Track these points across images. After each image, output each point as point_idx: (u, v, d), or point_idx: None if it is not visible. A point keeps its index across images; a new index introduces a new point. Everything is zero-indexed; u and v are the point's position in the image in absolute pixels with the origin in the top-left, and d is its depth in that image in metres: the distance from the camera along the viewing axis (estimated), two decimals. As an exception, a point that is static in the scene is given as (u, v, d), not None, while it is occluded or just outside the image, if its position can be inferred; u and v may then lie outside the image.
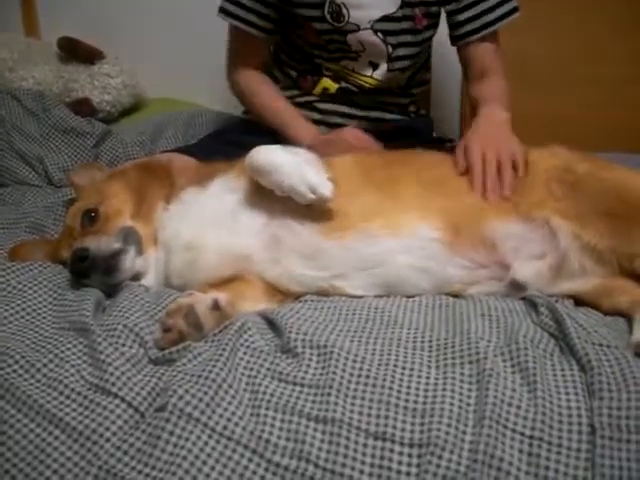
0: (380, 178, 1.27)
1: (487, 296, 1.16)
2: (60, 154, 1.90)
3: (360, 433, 0.84)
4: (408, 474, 0.81)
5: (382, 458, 0.82)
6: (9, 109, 2.02)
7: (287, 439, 0.85)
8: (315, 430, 0.85)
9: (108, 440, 0.85)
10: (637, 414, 0.83)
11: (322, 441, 0.84)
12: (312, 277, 1.19)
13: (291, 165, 1.16)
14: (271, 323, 1.06)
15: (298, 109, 1.79)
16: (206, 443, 0.84)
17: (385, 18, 1.68)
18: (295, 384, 0.92)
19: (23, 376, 0.92)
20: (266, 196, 1.20)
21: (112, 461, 0.83)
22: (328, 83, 1.79)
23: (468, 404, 0.87)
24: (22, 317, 1.08)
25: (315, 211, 1.19)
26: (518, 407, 0.86)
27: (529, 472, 0.80)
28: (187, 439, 0.84)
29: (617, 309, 1.11)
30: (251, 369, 0.94)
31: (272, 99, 1.77)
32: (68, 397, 0.90)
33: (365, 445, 0.83)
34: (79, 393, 0.91)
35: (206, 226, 1.22)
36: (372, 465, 0.82)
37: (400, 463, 0.82)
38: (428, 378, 0.92)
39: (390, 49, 1.72)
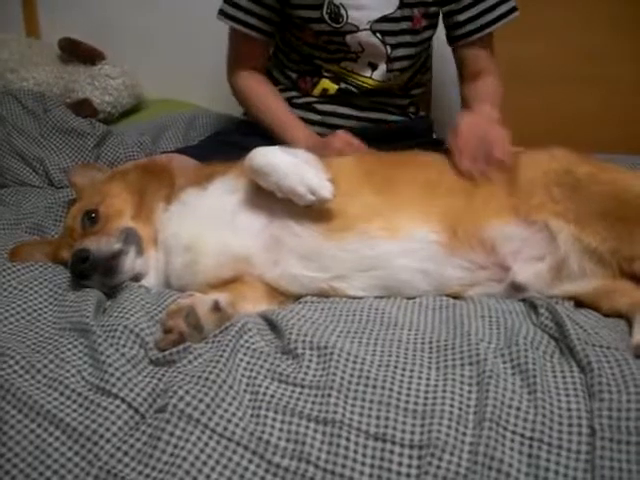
0: (379, 179, 1.27)
1: (487, 297, 1.16)
2: (61, 155, 1.90)
3: (360, 434, 0.84)
4: (408, 475, 0.81)
5: (382, 459, 0.82)
6: (10, 110, 2.02)
7: (287, 440, 0.85)
8: (315, 431, 0.85)
9: (108, 441, 0.85)
10: (637, 416, 0.83)
11: (322, 442, 0.84)
12: (312, 278, 1.19)
13: (290, 166, 1.16)
14: (271, 324, 1.06)
15: (297, 110, 1.79)
16: (206, 444, 0.84)
17: (384, 19, 1.68)
18: (295, 385, 0.92)
19: (24, 377, 0.92)
20: (266, 197, 1.20)
21: (112, 462, 0.83)
22: (327, 84, 1.79)
23: (468, 405, 0.87)
24: (22, 318, 1.08)
25: (315, 212, 1.19)
26: (518, 409, 0.86)
27: (529, 473, 0.80)
28: (187, 440, 0.84)
29: (617, 311, 1.11)
30: (251, 370, 0.94)
31: (270, 101, 1.77)
32: (68, 398, 0.90)
33: (365, 446, 0.83)
34: (79, 394, 0.91)
35: (206, 227, 1.22)
36: (372, 466, 0.82)
37: (400, 464, 0.82)
38: (428, 379, 0.92)
39: (389, 50, 1.72)
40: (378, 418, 0.86)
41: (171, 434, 0.84)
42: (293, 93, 1.83)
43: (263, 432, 0.86)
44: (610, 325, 1.07)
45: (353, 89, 1.78)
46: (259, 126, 1.77)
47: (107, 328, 1.02)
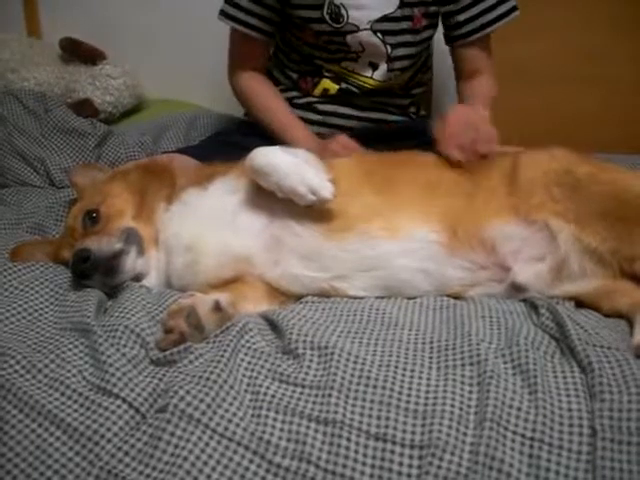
0: (379, 179, 1.27)
1: (488, 298, 1.16)
2: (61, 155, 1.90)
3: (361, 434, 0.84)
4: (409, 475, 0.81)
5: (383, 459, 0.82)
6: (11, 109, 2.03)
7: (288, 440, 0.85)
8: (316, 431, 0.85)
9: (109, 441, 0.86)
10: (638, 416, 0.83)
11: (323, 442, 0.84)
12: (313, 278, 1.19)
13: (291, 166, 1.16)
14: (272, 324, 1.06)
15: (298, 110, 1.79)
16: (207, 444, 0.84)
17: (384, 18, 1.68)
18: (296, 385, 0.92)
19: (24, 376, 0.92)
20: (266, 197, 1.21)
21: (113, 462, 0.83)
22: (328, 84, 1.79)
23: (469, 406, 0.87)
24: (23, 317, 1.08)
25: (315, 212, 1.19)
26: (519, 409, 0.86)
27: (529, 474, 0.80)
28: (188, 440, 0.84)
29: (618, 311, 1.11)
30: (252, 370, 0.94)
31: (270, 102, 1.77)
32: (69, 398, 0.90)
33: (366, 446, 0.83)
34: (80, 394, 0.91)
35: (207, 227, 1.22)
36: (373, 466, 0.82)
37: (401, 464, 0.82)
38: (429, 379, 0.92)
39: (389, 49, 1.72)
40: (379, 418, 0.86)
41: (172, 434, 0.84)
42: (294, 93, 1.83)
43: (264, 432, 0.86)
44: (611, 325, 1.07)
45: (354, 89, 1.78)
46: (259, 126, 1.77)
47: (108, 328, 1.02)
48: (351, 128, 1.80)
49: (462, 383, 0.91)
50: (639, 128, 2.19)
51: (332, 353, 0.95)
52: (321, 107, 1.81)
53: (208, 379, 0.90)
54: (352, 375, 0.91)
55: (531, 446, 0.82)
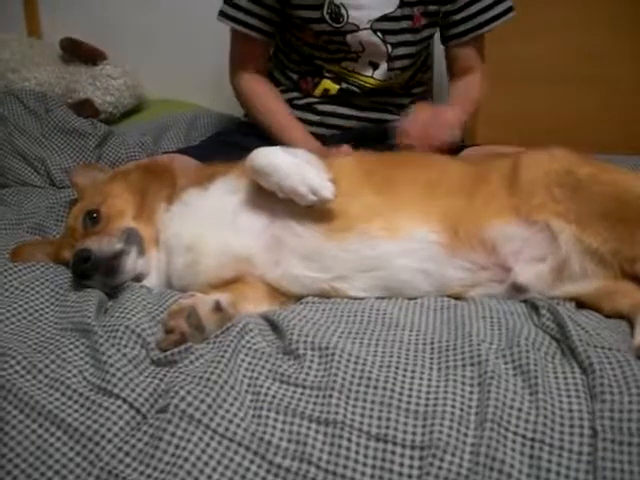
0: (380, 179, 1.27)
1: (488, 298, 1.16)
2: (62, 155, 1.90)
3: (361, 435, 0.84)
4: (409, 476, 0.81)
5: (383, 460, 0.82)
6: (11, 110, 2.03)
7: (288, 441, 0.85)
8: (316, 432, 0.85)
9: (110, 441, 0.86)
10: (639, 417, 0.82)
11: (323, 443, 0.84)
12: (313, 279, 1.19)
13: (292, 166, 1.16)
14: (273, 325, 1.06)
15: (298, 111, 1.79)
16: (208, 445, 0.84)
17: (384, 18, 1.68)
18: (297, 386, 0.92)
19: (25, 377, 0.92)
20: (267, 197, 1.20)
21: (114, 462, 0.83)
22: (329, 84, 1.79)
23: (470, 406, 0.87)
24: (24, 318, 1.08)
25: (316, 212, 1.19)
26: (519, 410, 0.86)
27: (530, 475, 0.80)
28: (189, 440, 0.84)
29: (619, 312, 1.11)
30: (253, 371, 0.94)
31: (270, 103, 1.77)
32: (70, 398, 0.90)
33: (366, 447, 0.83)
34: (81, 394, 0.91)
35: (207, 227, 1.22)
36: (373, 467, 0.82)
37: (402, 465, 0.82)
38: (430, 380, 0.92)
39: (390, 49, 1.72)
40: (379, 419, 0.86)
41: (172, 434, 0.84)
42: (294, 94, 1.83)
43: (264, 433, 0.86)
44: (612, 326, 1.06)
45: (354, 89, 1.78)
46: (259, 127, 1.77)
47: (108, 328, 1.02)
48: (350, 128, 1.80)
49: (463, 384, 0.91)
50: (639, 128, 2.19)
51: (333, 354, 0.95)
52: (321, 107, 1.81)
53: (209, 379, 0.90)
54: (353, 376, 0.91)
55: (532, 447, 0.82)
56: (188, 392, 0.88)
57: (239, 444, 0.84)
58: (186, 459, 0.82)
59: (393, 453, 0.83)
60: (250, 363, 0.95)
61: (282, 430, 0.86)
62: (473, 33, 1.74)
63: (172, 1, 2.50)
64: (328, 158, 1.31)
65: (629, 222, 1.14)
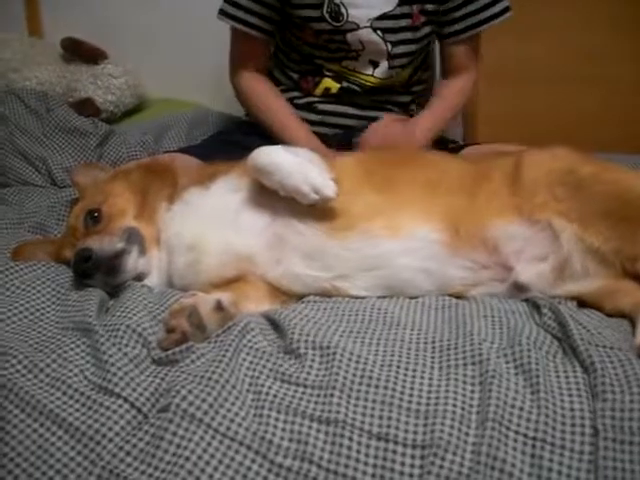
0: (382, 178, 1.27)
1: (490, 297, 1.16)
2: (63, 154, 1.90)
3: (363, 434, 0.84)
4: (411, 475, 0.81)
5: (385, 459, 0.82)
6: (12, 109, 2.02)
7: (290, 440, 0.85)
8: (318, 431, 0.85)
9: (111, 440, 0.86)
10: (640, 416, 0.83)
11: (325, 442, 0.84)
12: (315, 277, 1.19)
13: (294, 165, 1.16)
14: (274, 324, 1.06)
15: (299, 111, 1.79)
16: (209, 444, 0.84)
17: (384, 16, 1.68)
18: (298, 385, 0.92)
19: (26, 376, 0.92)
20: (269, 196, 1.21)
21: (115, 461, 0.83)
22: (330, 83, 1.79)
23: (471, 405, 0.87)
24: (25, 317, 1.08)
25: (318, 211, 1.19)
26: (521, 409, 0.86)
27: (532, 474, 0.80)
28: (190, 440, 0.84)
29: (620, 311, 1.11)
30: (254, 370, 0.94)
31: (270, 102, 1.77)
32: (71, 397, 0.90)
33: (368, 446, 0.83)
34: (82, 393, 0.91)
35: (209, 226, 1.22)
36: (375, 466, 0.82)
37: (403, 464, 0.82)
38: (431, 379, 0.92)
39: (390, 47, 1.72)
40: (381, 418, 0.86)
41: (174, 434, 0.84)
42: (295, 93, 1.83)
43: (266, 432, 0.86)
44: (613, 325, 1.06)
45: (355, 87, 1.78)
46: (260, 126, 1.77)
47: (110, 327, 1.02)
48: (350, 127, 1.80)
49: (464, 383, 0.91)
50: (639, 128, 2.19)
51: (334, 353, 0.94)
52: (321, 107, 1.81)
53: (210, 379, 0.90)
54: (354, 375, 0.91)
55: (533, 446, 0.82)
56: (189, 391, 0.88)
57: (240, 443, 0.84)
58: (187, 458, 0.82)
59: (394, 452, 0.83)
60: (251, 362, 0.95)
61: (283, 429, 0.86)
62: (469, 32, 1.75)
63: (173, 0, 2.50)
64: (330, 157, 1.31)
65: (630, 221, 1.14)
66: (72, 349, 0.98)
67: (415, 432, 0.84)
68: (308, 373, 0.93)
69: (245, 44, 1.76)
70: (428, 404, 0.88)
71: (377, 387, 0.90)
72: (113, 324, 1.02)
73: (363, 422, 0.85)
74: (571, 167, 1.22)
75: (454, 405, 0.87)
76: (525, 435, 0.83)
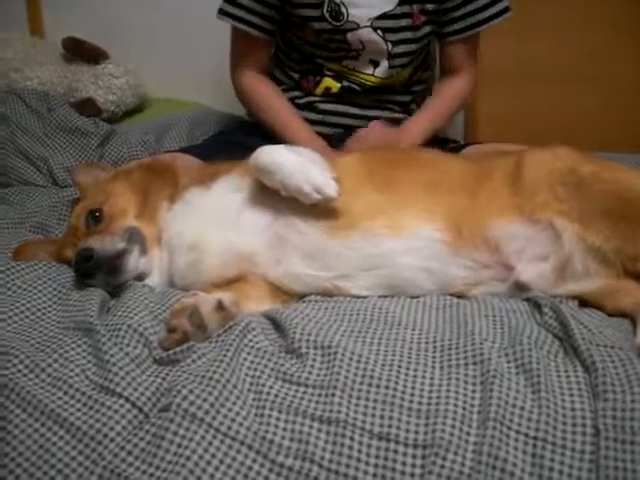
0: (384, 177, 1.27)
1: (491, 297, 1.16)
2: (64, 154, 1.90)
3: (364, 434, 0.84)
4: (412, 475, 0.81)
5: (386, 459, 0.82)
6: (14, 109, 2.02)
7: (291, 439, 0.85)
8: (319, 431, 0.85)
9: (112, 440, 0.86)
10: (641, 415, 0.83)
11: (326, 442, 0.84)
12: (315, 277, 1.19)
13: (296, 165, 1.16)
14: (275, 323, 1.06)
15: (300, 110, 1.79)
16: (210, 443, 0.84)
17: (384, 16, 1.69)
18: (299, 384, 0.92)
19: (28, 376, 0.92)
20: (270, 195, 1.21)
21: (116, 461, 0.83)
22: (330, 82, 1.79)
23: (472, 405, 0.87)
24: (26, 317, 1.09)
25: (319, 210, 1.19)
26: (522, 408, 0.86)
27: (533, 473, 0.80)
28: (191, 439, 0.84)
29: (621, 310, 1.11)
30: (255, 369, 0.94)
31: (272, 101, 1.77)
32: (72, 397, 0.90)
33: (369, 446, 0.83)
34: (83, 393, 0.91)
35: (210, 226, 1.22)
36: (376, 466, 0.82)
37: (404, 464, 0.82)
38: (432, 379, 0.92)
39: (390, 46, 1.73)
40: (382, 417, 0.86)
41: (175, 433, 0.84)
42: (296, 93, 1.83)
43: (267, 431, 0.86)
44: (614, 324, 1.06)
45: (356, 87, 1.78)
46: (262, 126, 1.77)
47: (111, 327, 1.02)
48: (351, 126, 1.80)
49: (465, 382, 0.91)
50: (639, 128, 2.19)
51: (335, 352, 0.95)
52: (322, 106, 1.81)
53: (211, 378, 0.90)
54: (355, 374, 0.91)
55: (534, 445, 0.82)
56: (190, 391, 0.88)
57: (241, 443, 0.84)
58: (188, 458, 0.82)
59: (396, 452, 0.83)
60: (252, 362, 0.95)
61: (284, 429, 0.86)
62: (468, 32, 1.75)
63: (174, 0, 2.50)
64: (332, 157, 1.31)
65: (631, 220, 1.14)
66: (73, 349, 0.98)
67: (416, 432, 0.85)
68: (309, 373, 0.93)
69: (246, 43, 1.76)
70: (429, 404, 0.88)
71: (378, 387, 0.90)
72: (114, 324, 1.02)
73: (364, 422, 0.86)
74: (572, 166, 1.22)
75: (455, 405, 0.87)
76: (526, 435, 0.83)
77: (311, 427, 0.85)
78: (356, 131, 1.72)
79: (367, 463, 0.82)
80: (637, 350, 0.95)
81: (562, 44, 2.21)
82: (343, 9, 1.66)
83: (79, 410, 0.89)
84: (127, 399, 0.90)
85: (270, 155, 1.19)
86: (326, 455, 0.82)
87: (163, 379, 0.94)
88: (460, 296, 1.18)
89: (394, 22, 1.70)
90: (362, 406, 0.87)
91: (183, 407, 0.86)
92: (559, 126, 2.14)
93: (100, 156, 1.93)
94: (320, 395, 0.89)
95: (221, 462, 0.83)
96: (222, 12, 1.72)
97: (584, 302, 1.16)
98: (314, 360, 0.95)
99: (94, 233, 1.21)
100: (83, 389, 0.91)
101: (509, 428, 0.83)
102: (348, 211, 1.20)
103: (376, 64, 1.76)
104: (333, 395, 0.88)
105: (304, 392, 0.90)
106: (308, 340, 0.98)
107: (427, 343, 1.00)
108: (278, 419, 0.87)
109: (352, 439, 0.84)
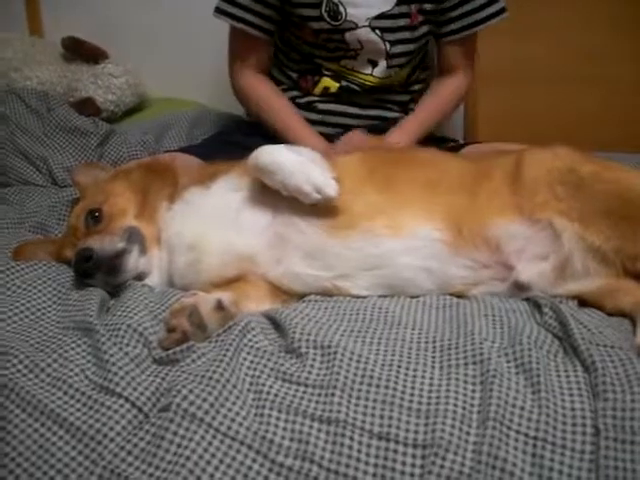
0: (384, 177, 1.27)
1: (491, 296, 1.16)
2: (64, 154, 1.90)
3: (364, 433, 0.84)
4: (412, 475, 0.81)
5: (386, 459, 0.82)
6: (13, 108, 2.02)
7: (291, 439, 0.85)
8: (319, 430, 0.85)
9: (112, 440, 0.86)
10: (641, 415, 0.82)
11: (326, 441, 0.84)
12: (315, 277, 1.19)
13: (296, 165, 1.16)
14: (275, 323, 1.06)
15: (299, 110, 1.79)
16: (210, 443, 0.84)
17: (382, 16, 1.69)
18: (299, 384, 0.92)
19: (27, 376, 0.92)
20: (270, 195, 1.21)
21: (116, 461, 0.83)
22: (329, 82, 1.79)
23: (472, 405, 0.87)
24: (26, 317, 1.08)
25: (319, 210, 1.19)
26: (522, 408, 0.86)
27: (533, 473, 0.80)
28: (191, 439, 0.84)
29: (621, 310, 1.11)
30: (255, 369, 0.94)
31: (272, 101, 1.77)
32: (72, 397, 0.90)
33: (369, 445, 0.83)
34: (83, 393, 0.91)
35: (209, 226, 1.22)
36: (376, 465, 0.82)
37: (404, 464, 0.82)
38: (432, 379, 0.92)
39: (388, 46, 1.73)
40: (382, 417, 0.86)
41: (175, 433, 0.84)
42: (294, 93, 1.84)
43: (267, 431, 0.86)
44: (614, 324, 1.06)
45: (354, 87, 1.79)
46: (261, 126, 1.77)
47: (111, 327, 1.02)
48: (351, 126, 1.80)
49: (465, 382, 0.91)
50: (639, 128, 2.19)
51: (335, 352, 0.94)
52: (321, 106, 1.82)
53: (211, 378, 0.90)
54: (355, 374, 0.91)
55: (534, 445, 0.82)
56: (190, 391, 0.88)
57: (241, 443, 0.84)
58: (188, 458, 0.82)
59: (395, 452, 0.83)
60: (252, 362, 0.95)
61: (284, 429, 0.86)
62: (465, 32, 1.76)
63: (174, 0, 2.49)
64: (332, 156, 1.31)
65: (631, 220, 1.14)
66: (73, 349, 0.98)
67: (416, 432, 0.84)
68: (309, 372, 0.93)
69: (244, 43, 1.76)
70: (429, 403, 0.88)
71: (378, 386, 0.90)
72: (114, 324, 1.02)
73: (364, 421, 0.85)
74: (572, 166, 1.22)
75: (455, 405, 0.87)
76: (526, 435, 0.83)
77: (311, 427, 0.85)
78: (339, 139, 1.72)
79: (367, 463, 0.82)
80: (637, 350, 0.95)
81: (561, 44, 2.21)
82: (341, 9, 1.66)
83: (79, 410, 0.89)
84: (127, 399, 0.90)
85: (270, 155, 1.19)
86: (326, 455, 0.82)
87: (163, 379, 0.94)
88: (460, 296, 1.18)
89: (392, 22, 1.70)
90: (362, 406, 0.87)
91: (183, 407, 0.86)
92: (558, 126, 2.14)
93: (99, 156, 1.93)
94: (320, 395, 0.89)
95: (221, 462, 0.83)
96: (219, 11, 1.72)
97: (584, 302, 1.16)
98: (314, 360, 0.95)
99: (94, 233, 1.21)
100: (83, 389, 0.91)
101: (509, 428, 0.83)
102: (348, 211, 1.20)
103: (374, 64, 1.76)
104: (333, 395, 0.88)
105: (304, 392, 0.90)
106: (308, 340, 0.98)
107: (427, 343, 1.00)
108: (278, 419, 0.87)
109: (352, 439, 0.84)
